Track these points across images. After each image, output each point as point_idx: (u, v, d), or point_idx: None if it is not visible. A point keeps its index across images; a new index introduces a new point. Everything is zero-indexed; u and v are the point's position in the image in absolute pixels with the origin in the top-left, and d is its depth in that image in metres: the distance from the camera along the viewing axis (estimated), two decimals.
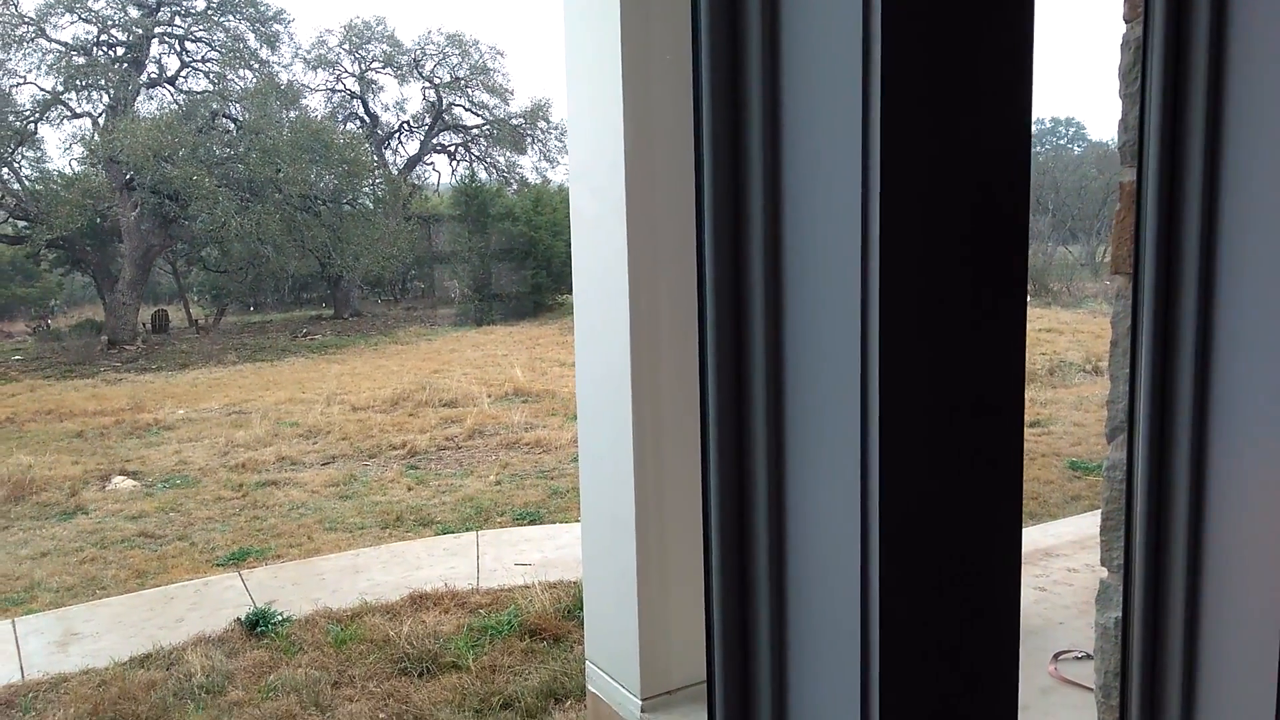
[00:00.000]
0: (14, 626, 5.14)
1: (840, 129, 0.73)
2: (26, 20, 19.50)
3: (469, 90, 25.50)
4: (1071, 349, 12.83)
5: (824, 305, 0.76)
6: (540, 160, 26.34)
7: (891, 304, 0.72)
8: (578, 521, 4.85)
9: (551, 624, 4.70)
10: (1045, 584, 4.19)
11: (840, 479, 0.77)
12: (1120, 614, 1.00)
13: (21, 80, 19.72)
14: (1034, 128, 0.79)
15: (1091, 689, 2.81)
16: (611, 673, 3.02)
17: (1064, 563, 4.47)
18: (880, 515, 0.74)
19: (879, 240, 0.71)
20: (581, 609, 3.75)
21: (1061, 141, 30.53)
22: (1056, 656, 3.34)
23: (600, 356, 2.94)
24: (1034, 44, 0.75)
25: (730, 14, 0.82)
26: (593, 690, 3.16)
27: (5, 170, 19.20)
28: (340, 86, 24.96)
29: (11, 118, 19.29)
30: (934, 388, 0.75)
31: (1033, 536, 5.02)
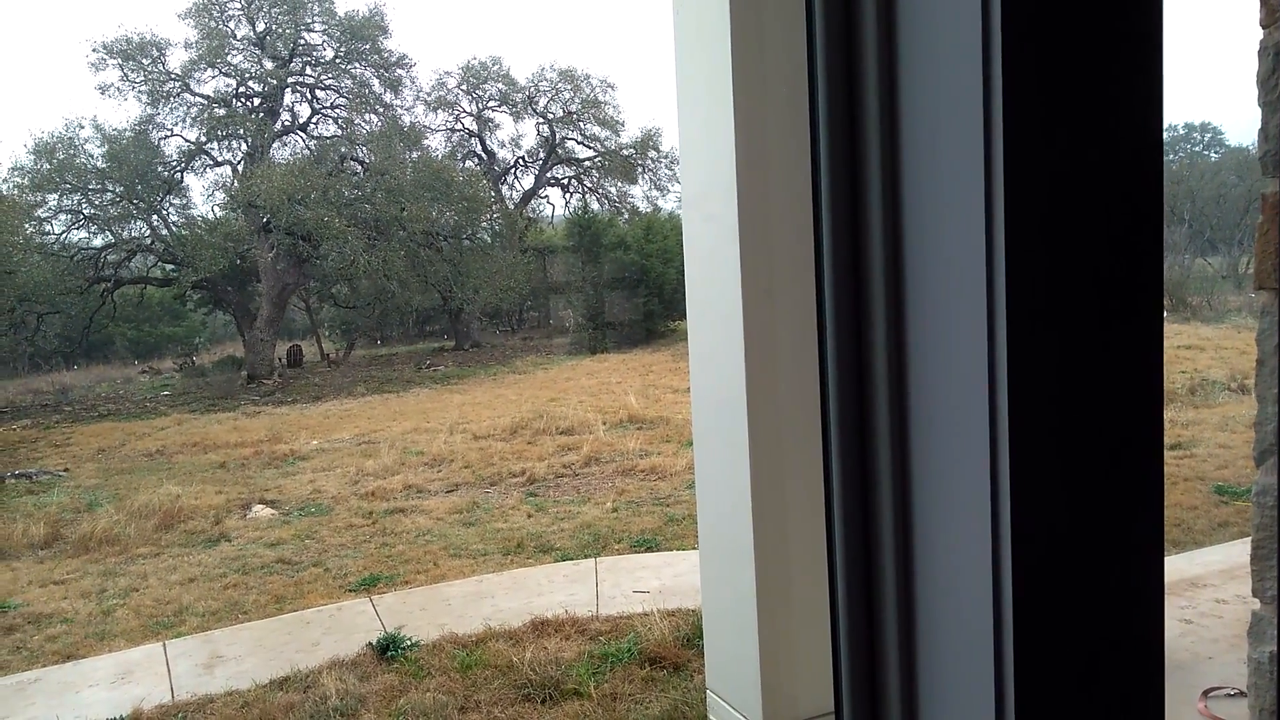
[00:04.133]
0: (164, 649, 5.44)
1: (961, 150, 0.72)
2: (173, 77, 20.93)
3: (581, 124, 26.05)
4: (1214, 366, 12.12)
5: (949, 327, 0.75)
6: (651, 189, 26.65)
7: (1018, 326, 0.70)
8: (695, 549, 4.83)
9: (671, 652, 4.69)
10: (1192, 616, 3.96)
11: (970, 503, 0.75)
12: (1275, 648, 0.94)
13: (169, 133, 21.16)
14: (1167, 135, 0.77)
15: None
16: (733, 702, 2.99)
17: (1212, 593, 4.21)
18: (1012, 542, 0.72)
19: (1004, 262, 0.70)
20: (701, 637, 3.73)
21: (1197, 148, 29.03)
22: (1207, 693, 3.15)
23: (715, 381, 2.94)
24: (1163, 46, 0.73)
25: (845, 38, 0.82)
26: None
27: (155, 218, 20.56)
28: (459, 126, 25.87)
29: (160, 168, 20.67)
30: (1065, 408, 0.73)
31: (1178, 565, 4.75)
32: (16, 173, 19.05)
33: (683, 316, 3.20)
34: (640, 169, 26.23)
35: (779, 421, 2.76)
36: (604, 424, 11.65)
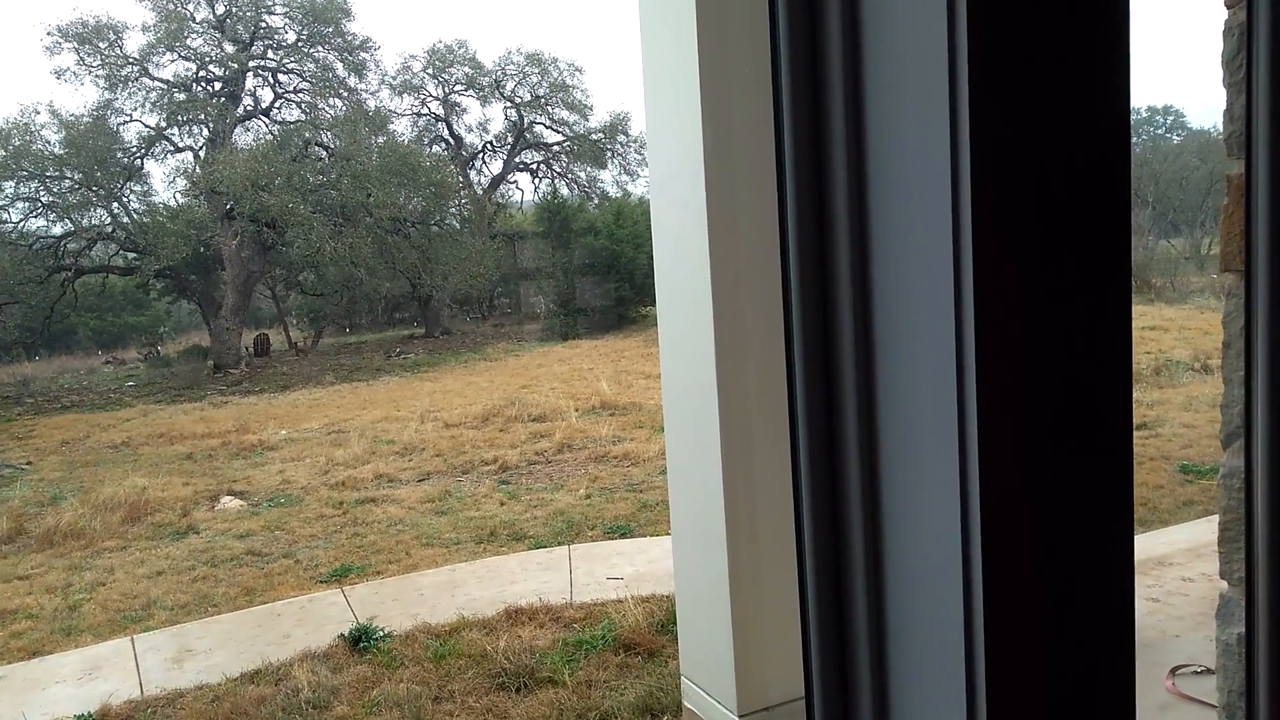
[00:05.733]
0: (133, 643, 5.38)
1: (926, 131, 0.71)
2: (131, 61, 20.55)
3: (549, 108, 25.90)
4: (1178, 346, 12.31)
5: (915, 310, 0.75)
6: (620, 174, 26.59)
7: (986, 309, 0.70)
8: (668, 534, 4.84)
9: (645, 638, 4.70)
10: (1159, 594, 4.02)
11: (938, 487, 0.74)
12: (1244, 630, 0.95)
13: (128, 118, 20.79)
14: (1130, 118, 0.76)
15: (1213, 705, 2.67)
16: (707, 688, 3.00)
17: (1178, 572, 4.28)
18: (981, 525, 0.72)
19: (971, 242, 0.69)
20: (675, 623, 3.74)
21: (1159, 131, 29.41)
22: (1174, 671, 3.20)
23: (685, 367, 2.93)
24: (1129, 28, 0.72)
25: (809, 19, 0.80)
26: (689, 706, 3.14)
27: (115, 205, 20.21)
28: (425, 110, 25.62)
29: (120, 154, 20.31)
30: (1034, 389, 0.73)
31: (1144, 544, 4.82)
32: None
33: (654, 302, 3.19)
34: (610, 153, 26.15)
35: (749, 407, 2.76)
36: (576, 410, 11.64)
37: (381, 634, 5.07)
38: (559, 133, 26.27)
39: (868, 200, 0.79)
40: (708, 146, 2.63)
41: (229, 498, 8.87)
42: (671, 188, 2.86)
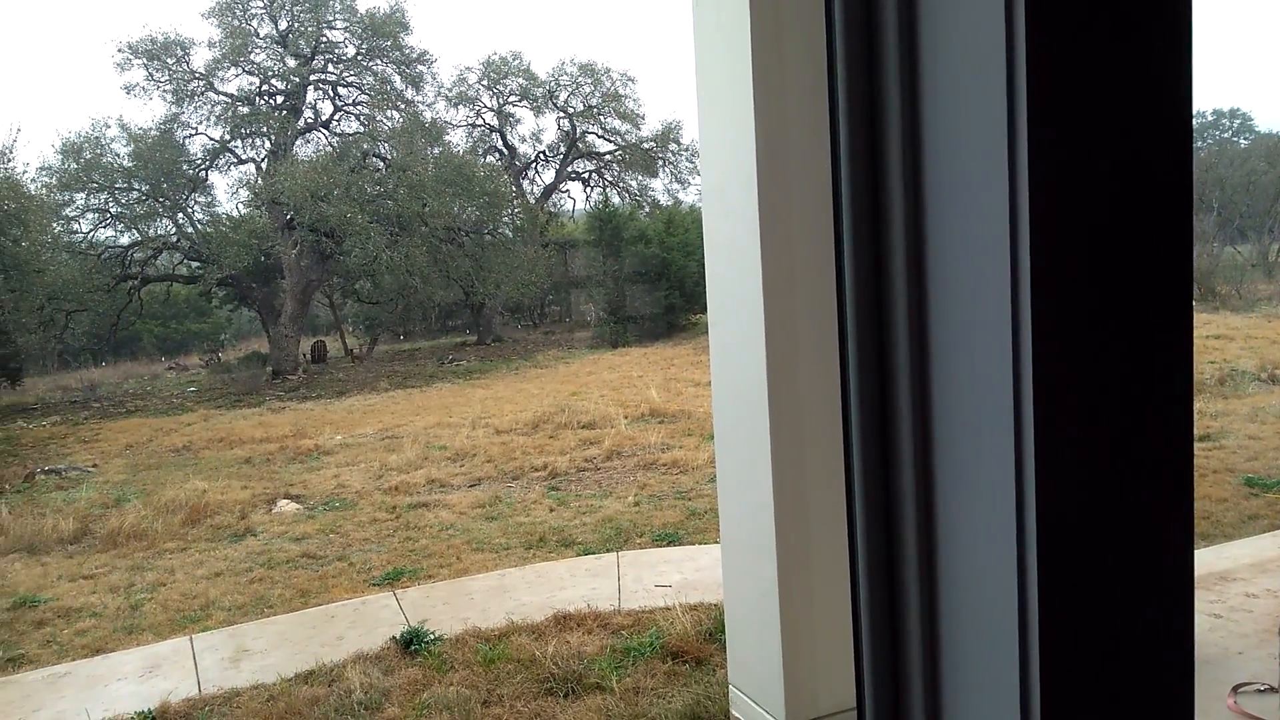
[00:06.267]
0: (192, 643, 5.50)
1: (984, 139, 0.71)
2: (197, 76, 21.10)
3: (601, 118, 26.06)
4: (1243, 356, 11.97)
5: (972, 317, 0.74)
6: (671, 182, 26.65)
7: (1043, 318, 0.69)
8: (717, 543, 4.82)
9: (693, 646, 4.68)
10: (1221, 610, 3.91)
11: (994, 497, 0.74)
12: None
13: (194, 131, 21.35)
14: (1195, 121, 0.75)
15: None
16: (755, 697, 2.98)
17: (1241, 587, 4.16)
18: (1038, 537, 0.71)
19: (1029, 249, 0.69)
20: (723, 631, 3.72)
21: (1225, 135, 28.67)
22: (1236, 689, 3.11)
23: (736, 375, 2.93)
24: (1193, 31, 0.71)
25: (865, 27, 0.80)
26: (736, 715, 3.12)
27: (180, 216, 20.76)
28: (480, 121, 25.93)
29: (185, 167, 20.86)
30: (1092, 399, 0.72)
31: (1206, 559, 4.69)
32: (45, 172, 19.32)
33: (704, 310, 3.20)
34: (661, 162, 26.22)
35: (801, 415, 2.74)
36: (625, 418, 11.66)
37: (432, 637, 5.12)
38: (611, 142, 26.44)
39: (924, 208, 0.79)
40: (761, 154, 2.63)
41: (285, 501, 9.04)
42: (724, 196, 2.86)
